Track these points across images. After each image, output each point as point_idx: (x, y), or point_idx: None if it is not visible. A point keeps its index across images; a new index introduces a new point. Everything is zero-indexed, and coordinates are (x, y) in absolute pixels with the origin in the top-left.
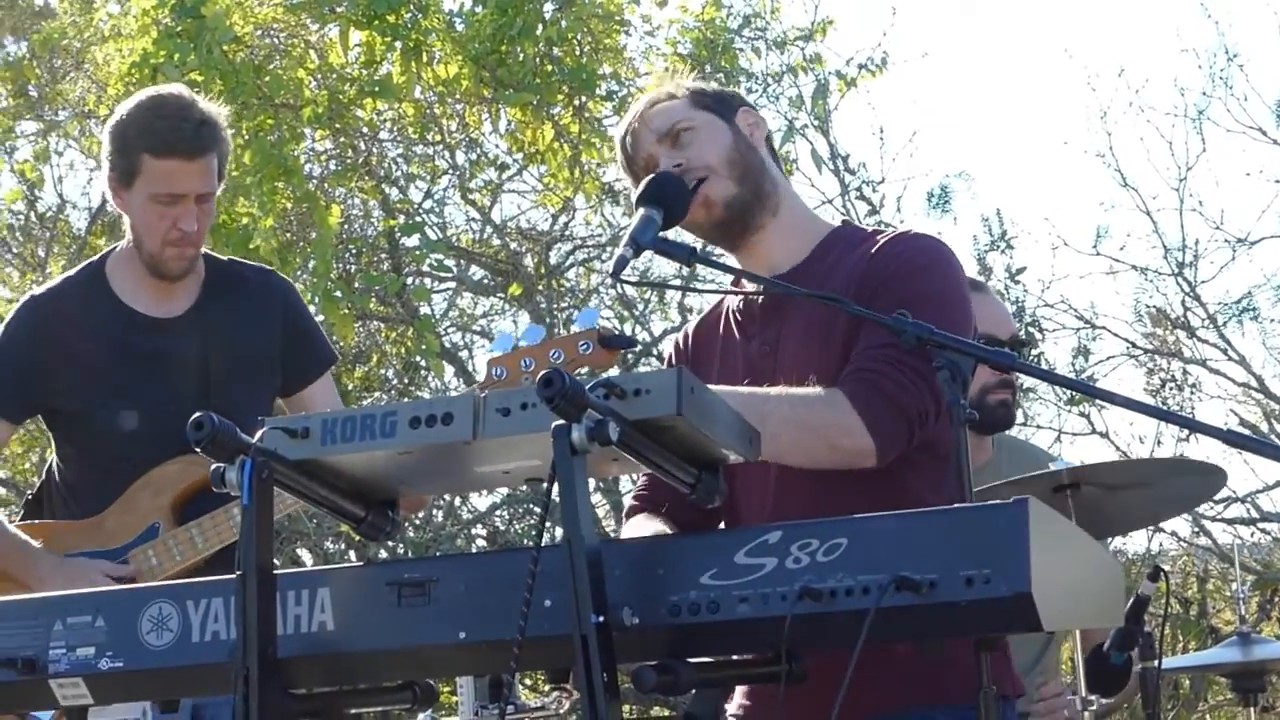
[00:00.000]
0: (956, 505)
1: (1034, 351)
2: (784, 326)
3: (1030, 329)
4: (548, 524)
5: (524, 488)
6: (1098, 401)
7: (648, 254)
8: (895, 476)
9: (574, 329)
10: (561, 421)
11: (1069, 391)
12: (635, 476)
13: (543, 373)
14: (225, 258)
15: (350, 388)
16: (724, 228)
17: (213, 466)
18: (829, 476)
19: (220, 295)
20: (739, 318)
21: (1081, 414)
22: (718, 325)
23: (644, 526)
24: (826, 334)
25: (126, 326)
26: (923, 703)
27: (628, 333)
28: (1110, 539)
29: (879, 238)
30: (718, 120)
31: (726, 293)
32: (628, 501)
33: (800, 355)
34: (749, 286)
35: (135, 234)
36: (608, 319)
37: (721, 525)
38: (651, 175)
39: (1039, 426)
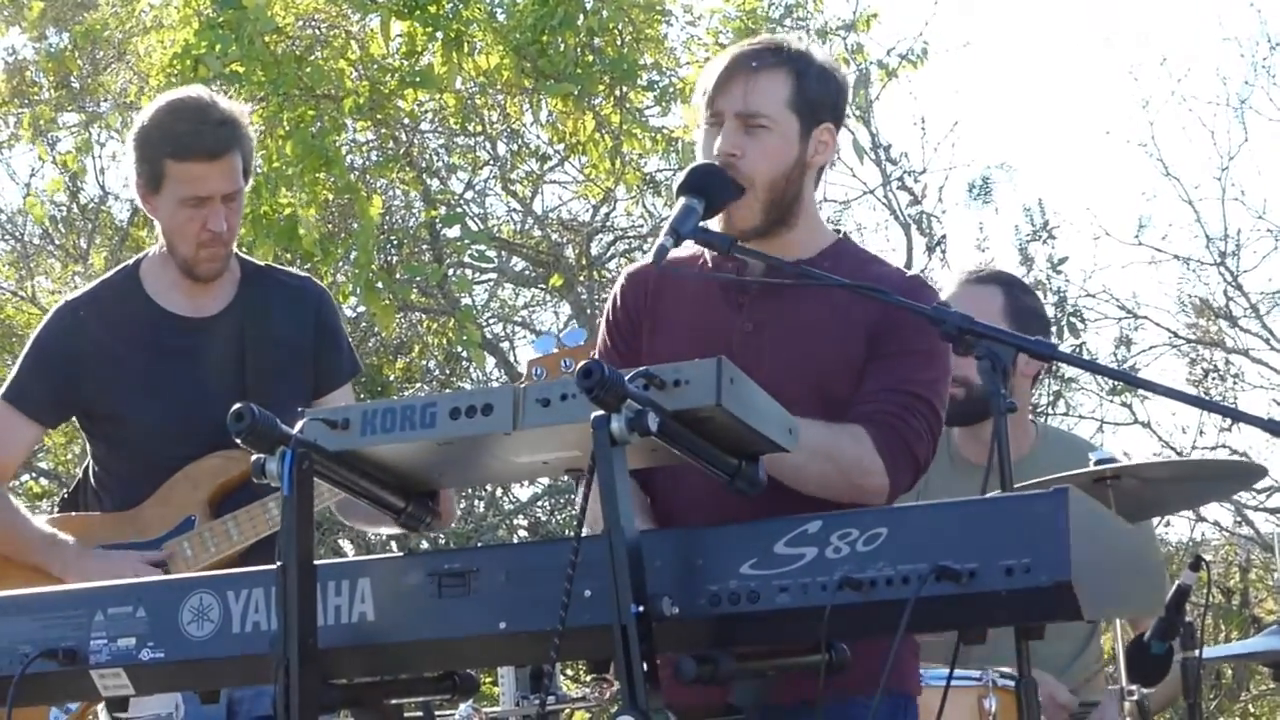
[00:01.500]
0: (996, 494)
1: (1076, 341)
2: (778, 310)
3: (1072, 319)
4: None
5: (564, 478)
6: (1140, 391)
7: (688, 244)
8: None
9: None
10: (601, 412)
11: (1111, 381)
12: None
13: (582, 364)
14: (262, 263)
15: (392, 379)
16: (737, 236)
17: (253, 458)
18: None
19: (255, 296)
20: (727, 286)
21: (1124, 404)
22: (687, 280)
23: None
24: (830, 331)
25: (160, 327)
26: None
27: None
28: (1149, 520)
29: (892, 270)
30: (796, 133)
31: (771, 282)
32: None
33: (792, 343)
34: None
35: (167, 238)
36: None
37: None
38: (693, 165)
39: (1081, 417)
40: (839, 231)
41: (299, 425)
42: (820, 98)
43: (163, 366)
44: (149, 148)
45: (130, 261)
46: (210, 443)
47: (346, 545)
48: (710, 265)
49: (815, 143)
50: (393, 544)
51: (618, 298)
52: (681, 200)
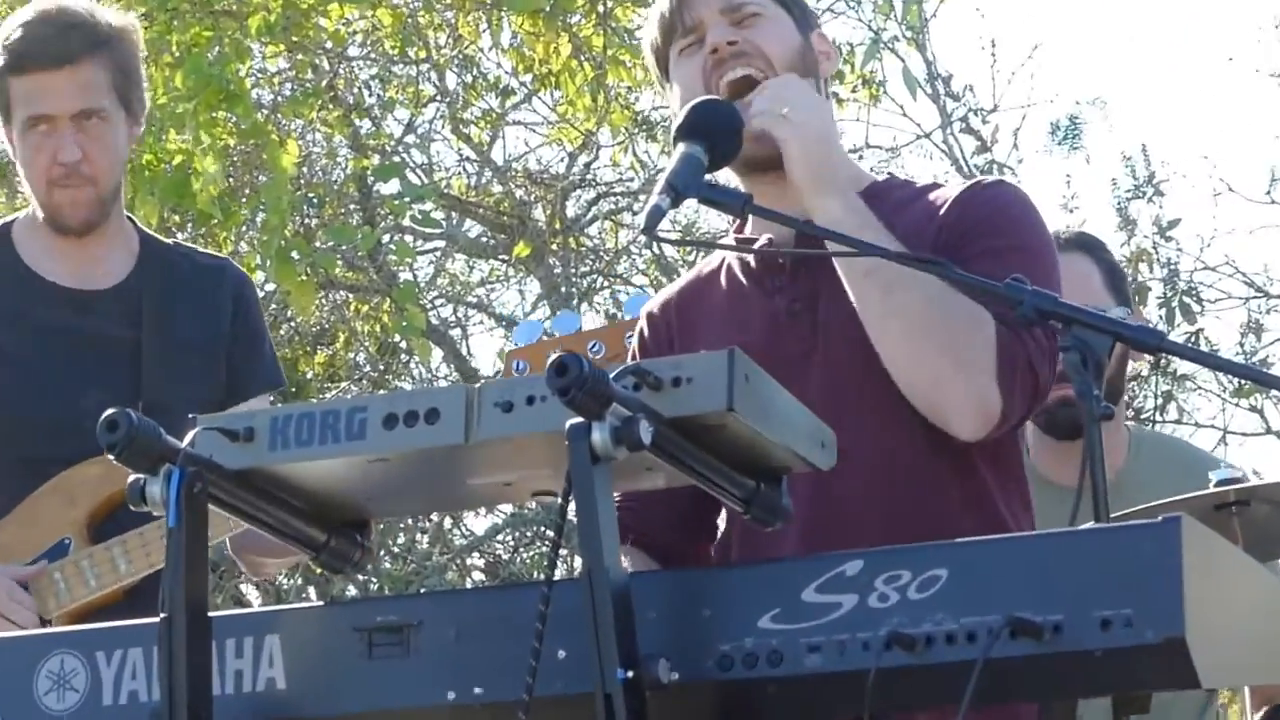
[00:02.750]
0: (1089, 526)
1: (1190, 328)
2: (823, 278)
3: (1186, 299)
4: (562, 551)
5: (532, 505)
6: (1273, 393)
7: (691, 204)
8: (982, 485)
9: (623, 317)
10: (579, 420)
11: (1236, 380)
12: None
13: (555, 357)
14: (171, 241)
15: (310, 376)
16: (751, 156)
17: (131, 479)
18: (893, 478)
19: (158, 275)
20: (753, 266)
21: (1252, 408)
22: (716, 282)
23: None
24: None
25: (37, 299)
26: None
27: None
28: None
29: (944, 189)
30: (791, 22)
31: (788, 253)
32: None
33: (851, 321)
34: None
35: (27, 184)
36: (640, 287)
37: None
38: (695, 102)
39: (1198, 424)
40: (888, 173)
41: (189, 436)
42: (800, 2)
43: (35, 343)
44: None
45: (1, 221)
46: (92, 446)
47: (250, 592)
48: (731, 256)
49: (816, 48)
50: (310, 590)
51: (634, 349)
52: (680, 147)
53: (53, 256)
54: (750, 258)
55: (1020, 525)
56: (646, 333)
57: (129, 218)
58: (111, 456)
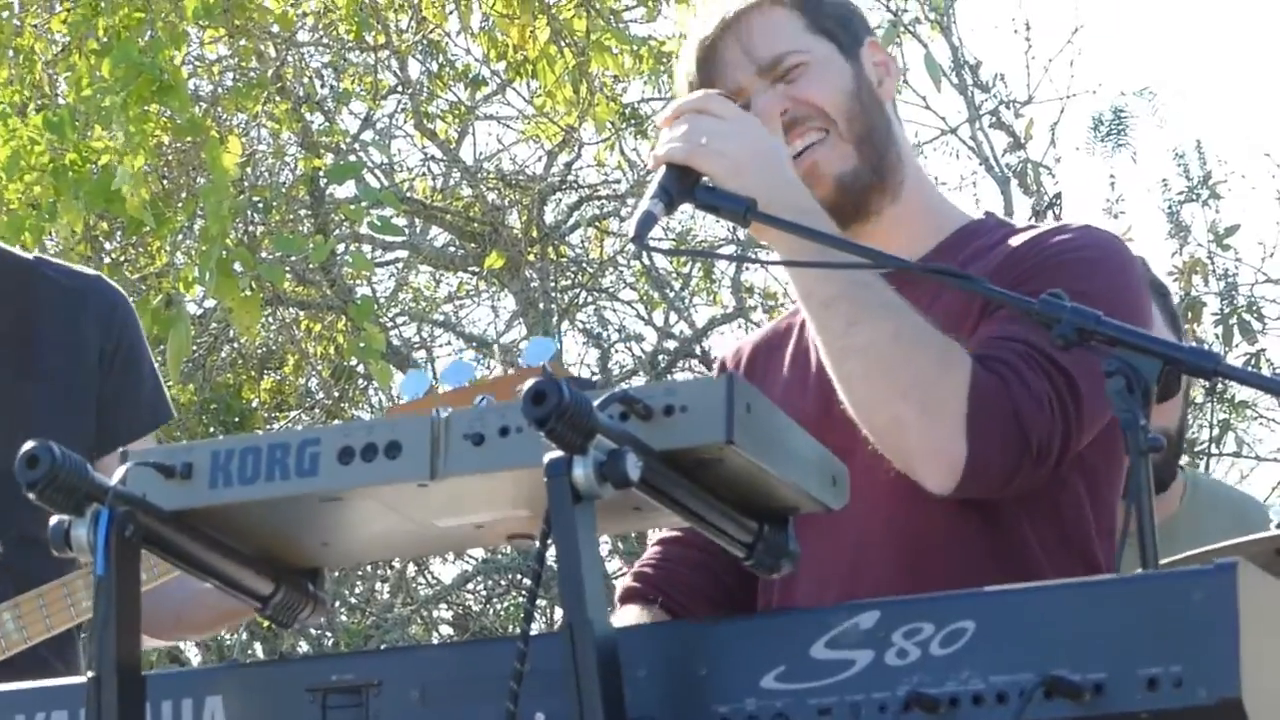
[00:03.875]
0: (1134, 573)
1: (1251, 349)
2: None
3: (1245, 316)
4: (541, 602)
5: (506, 550)
6: None
7: (685, 209)
8: (1017, 541)
9: (521, 364)
10: (559, 453)
11: None
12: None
13: (532, 382)
14: (30, 255)
15: (255, 404)
16: (826, 210)
17: (53, 520)
18: (931, 523)
19: (14, 304)
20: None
21: None
22: (788, 337)
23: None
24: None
25: None
26: None
27: (659, 323)
28: None
29: (1035, 228)
30: (838, 55)
31: (802, 264)
32: (621, 584)
33: None
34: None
35: None
36: (629, 302)
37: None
38: (691, 96)
39: (1259, 458)
40: (986, 212)
41: (120, 472)
42: (843, 15)
43: None
44: None
45: None
46: None
47: (188, 648)
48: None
49: (871, 66)
50: (256, 646)
51: None
52: None
53: None
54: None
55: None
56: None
57: None
58: (32, 496)
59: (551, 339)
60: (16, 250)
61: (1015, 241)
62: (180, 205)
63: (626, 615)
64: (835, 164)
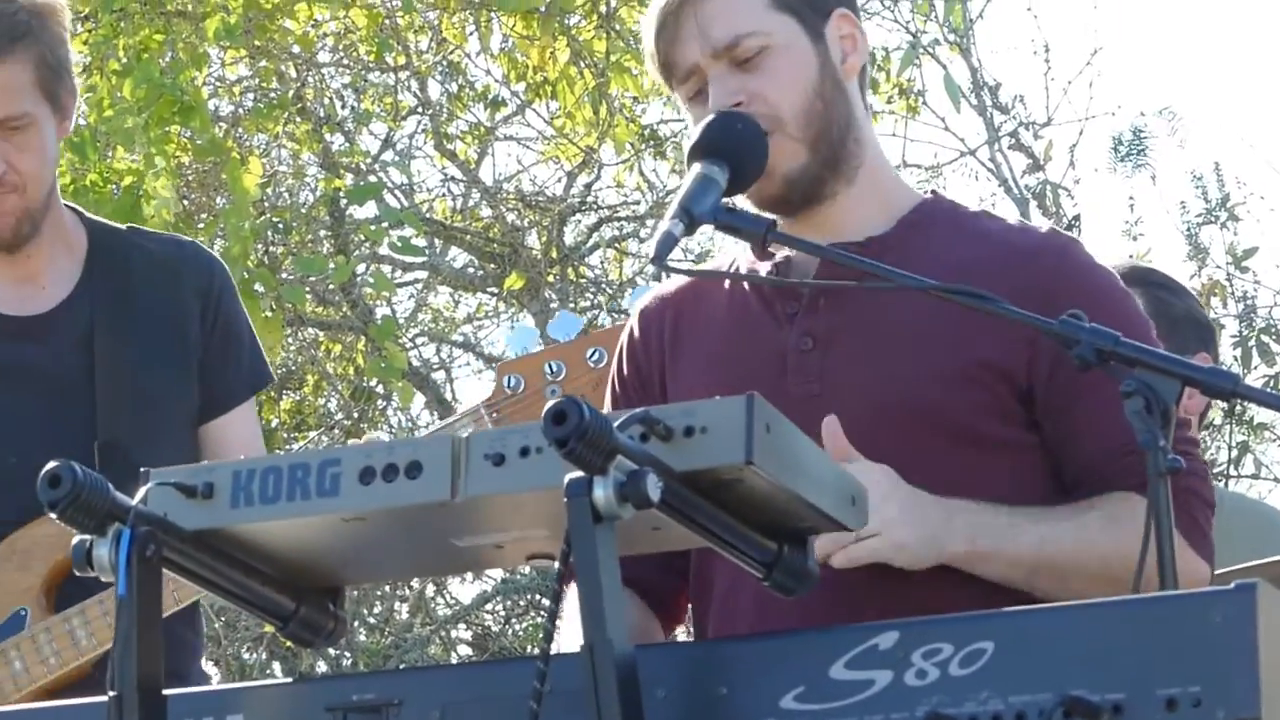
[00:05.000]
0: (1153, 594)
1: (1270, 370)
2: (846, 316)
3: (1264, 338)
4: (559, 621)
5: (525, 570)
6: None
7: (705, 229)
8: None
9: (627, 317)
10: (579, 474)
11: None
12: None
13: (551, 404)
14: (122, 225)
15: (275, 424)
16: (777, 203)
17: (75, 539)
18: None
19: (110, 279)
20: (765, 288)
21: None
22: (719, 290)
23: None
24: (933, 332)
25: None
26: None
27: None
28: None
29: (1012, 227)
30: (802, 36)
31: (815, 285)
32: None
33: (874, 360)
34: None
35: None
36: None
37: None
38: (712, 116)
39: (1277, 480)
40: (932, 191)
41: (141, 492)
42: None
43: None
44: None
45: None
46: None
47: (209, 667)
48: (743, 263)
49: (837, 42)
50: (275, 666)
51: (623, 348)
52: (696, 167)
53: None
54: (763, 270)
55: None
56: (637, 333)
57: (71, 208)
58: (54, 515)
59: (582, 319)
60: (108, 222)
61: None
62: (201, 226)
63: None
64: (784, 162)
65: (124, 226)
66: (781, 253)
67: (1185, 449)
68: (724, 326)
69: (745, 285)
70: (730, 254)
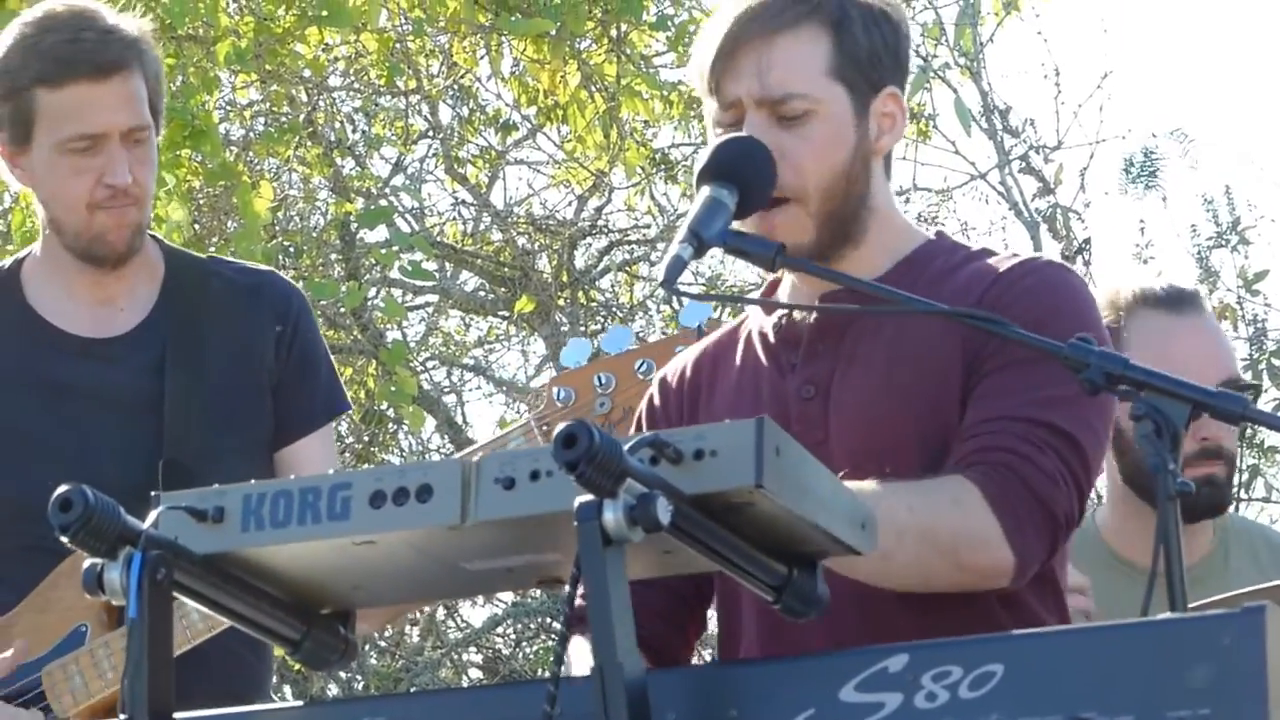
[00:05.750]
0: (1161, 616)
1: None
2: (841, 361)
3: (1275, 361)
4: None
5: (535, 593)
6: None
7: (714, 253)
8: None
9: (679, 329)
10: (589, 497)
11: None
12: None
13: (562, 428)
14: (203, 255)
15: None
16: (753, 260)
17: (87, 563)
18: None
19: (187, 302)
20: (771, 340)
21: None
22: (733, 351)
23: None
24: (919, 376)
25: (48, 352)
26: None
27: None
28: None
29: (995, 261)
30: (849, 110)
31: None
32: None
33: (865, 406)
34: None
35: (49, 211)
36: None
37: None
38: (723, 140)
39: None
40: (937, 232)
41: (152, 516)
42: (874, 52)
43: (47, 410)
44: (10, 80)
45: (8, 261)
46: None
47: None
48: (753, 322)
49: (878, 119)
50: (285, 689)
51: (642, 414)
52: (705, 190)
53: (69, 298)
54: (770, 328)
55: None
56: (658, 400)
57: (150, 235)
58: (65, 539)
59: (629, 330)
60: (187, 250)
61: (983, 283)
62: (212, 250)
63: (580, 644)
64: (792, 236)
65: (204, 256)
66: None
67: (1032, 441)
68: (737, 386)
69: (757, 345)
70: (747, 313)
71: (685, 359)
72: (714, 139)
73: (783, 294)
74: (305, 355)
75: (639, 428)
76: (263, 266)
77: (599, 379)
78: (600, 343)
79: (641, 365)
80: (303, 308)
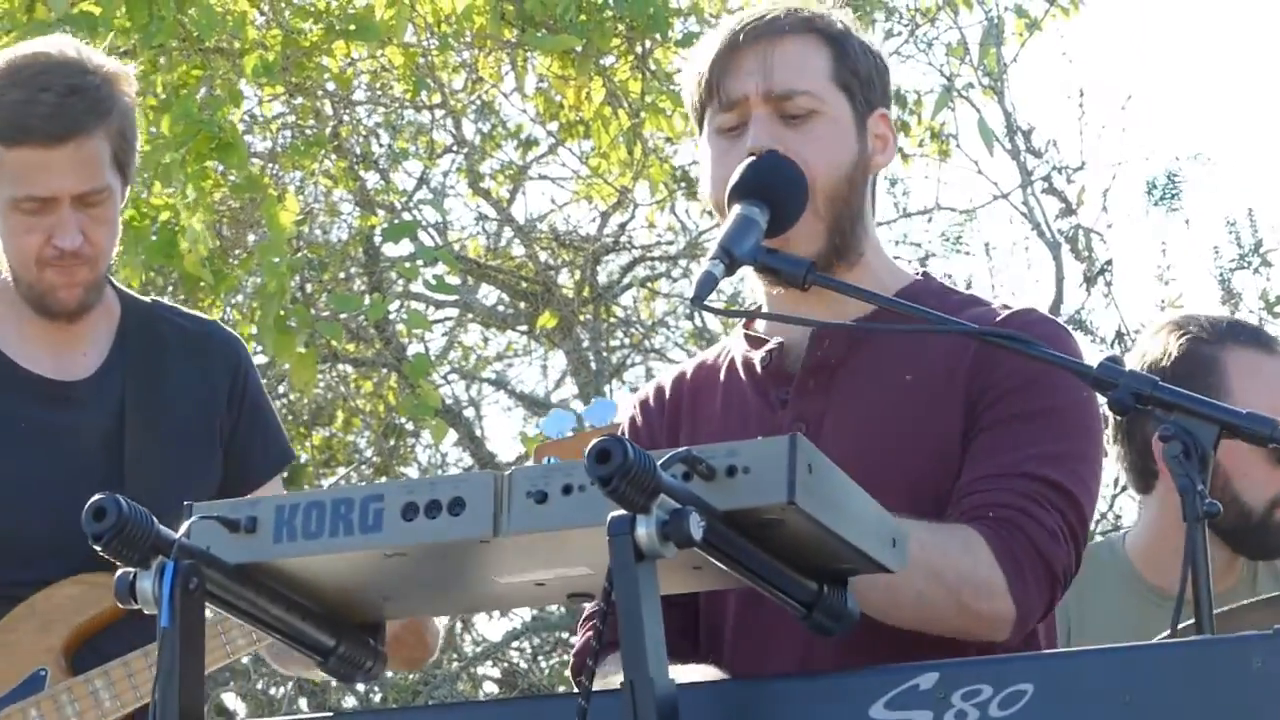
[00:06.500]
0: (1190, 638)
1: None
2: (834, 398)
3: None
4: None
5: (554, 607)
6: None
7: (743, 271)
8: None
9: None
10: (622, 512)
11: None
12: None
13: (595, 441)
14: (149, 299)
15: (305, 460)
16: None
17: (119, 572)
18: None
19: (143, 349)
20: (758, 371)
21: None
22: (713, 381)
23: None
24: (913, 413)
25: (11, 394)
26: None
27: None
28: None
29: (987, 310)
30: (850, 118)
31: (855, 327)
32: (582, 635)
33: (859, 442)
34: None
35: (7, 260)
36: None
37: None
38: (754, 158)
39: None
40: (920, 272)
41: (185, 526)
42: (869, 72)
43: (13, 452)
44: None
45: None
46: (78, 561)
47: (232, 700)
48: (737, 346)
49: (872, 138)
50: (302, 701)
51: (625, 429)
52: (736, 208)
53: (31, 340)
54: (757, 361)
55: (1043, 640)
56: (640, 420)
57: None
58: (99, 548)
59: (613, 402)
60: (133, 292)
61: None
62: (237, 262)
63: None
64: (804, 243)
65: (149, 299)
66: (774, 339)
67: (1034, 499)
68: (721, 417)
69: (741, 375)
70: (723, 344)
71: (662, 381)
72: (712, 152)
73: (738, 349)
74: (256, 406)
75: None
76: (204, 315)
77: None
78: (584, 414)
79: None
80: (248, 358)
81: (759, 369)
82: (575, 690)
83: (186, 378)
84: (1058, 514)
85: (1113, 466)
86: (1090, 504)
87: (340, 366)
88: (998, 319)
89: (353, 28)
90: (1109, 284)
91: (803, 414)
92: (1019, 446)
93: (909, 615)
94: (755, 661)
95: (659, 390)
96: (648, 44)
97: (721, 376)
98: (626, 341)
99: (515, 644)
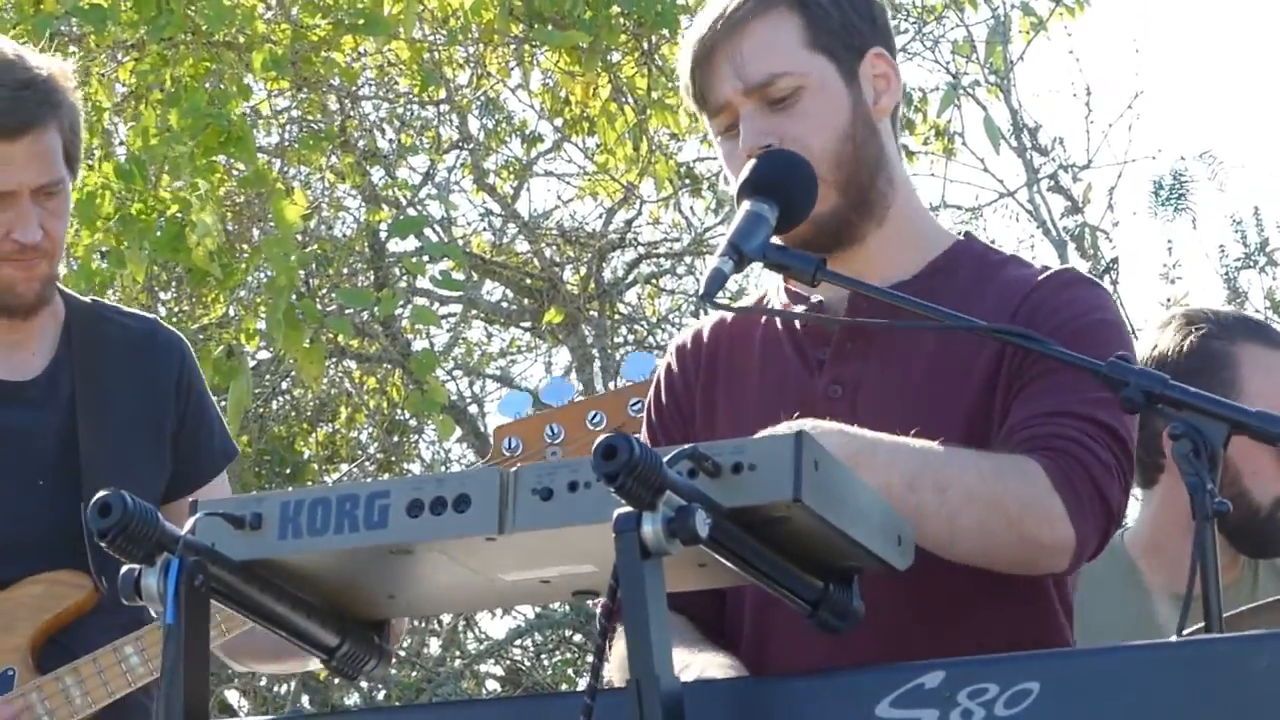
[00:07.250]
0: (1197, 637)
1: None
2: (871, 362)
3: None
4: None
5: (557, 605)
6: None
7: (752, 267)
8: (1043, 594)
9: (621, 381)
10: (628, 509)
11: None
12: None
13: (602, 438)
14: (89, 299)
15: (308, 456)
16: (804, 245)
17: (124, 569)
18: (937, 579)
19: (89, 349)
20: (800, 330)
21: None
22: (751, 334)
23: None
24: (949, 381)
25: None
26: None
27: None
28: None
29: (1028, 271)
30: (836, 77)
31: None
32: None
33: (895, 408)
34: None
35: None
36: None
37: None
38: (762, 154)
39: None
40: (965, 233)
41: (190, 523)
42: (846, 19)
43: None
44: None
45: None
46: (38, 562)
47: (235, 697)
48: (776, 303)
49: (870, 81)
50: (305, 699)
51: (660, 382)
52: (746, 205)
53: None
54: (797, 310)
55: (1065, 633)
56: (676, 368)
57: None
58: (104, 544)
59: (572, 385)
60: (73, 292)
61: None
62: (245, 256)
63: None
64: (821, 205)
65: (89, 299)
66: (816, 294)
67: (1089, 435)
68: (758, 373)
69: (779, 326)
70: (764, 288)
71: (701, 328)
72: (721, 154)
73: (778, 301)
74: (202, 402)
75: (655, 396)
76: (145, 314)
77: (550, 430)
78: (541, 393)
79: (595, 416)
80: (192, 356)
81: (798, 324)
82: (580, 688)
83: (133, 376)
84: (1112, 453)
85: None
86: (1133, 450)
87: (344, 362)
88: (1038, 278)
89: (361, 22)
90: (1115, 282)
91: (839, 377)
92: (1069, 390)
93: (968, 547)
94: (785, 651)
95: (697, 336)
96: (654, 40)
97: (760, 331)
98: (631, 338)
99: (519, 642)
